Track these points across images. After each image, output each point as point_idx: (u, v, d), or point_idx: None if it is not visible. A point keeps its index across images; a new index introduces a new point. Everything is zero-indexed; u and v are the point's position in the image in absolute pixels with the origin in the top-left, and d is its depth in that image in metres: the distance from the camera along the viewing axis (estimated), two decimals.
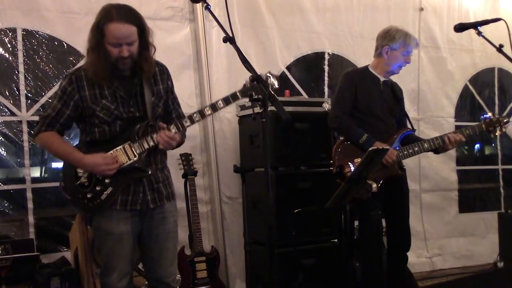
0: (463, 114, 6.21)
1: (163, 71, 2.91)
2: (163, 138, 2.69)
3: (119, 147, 2.71)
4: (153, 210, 2.81)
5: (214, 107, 2.75)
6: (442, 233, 5.87)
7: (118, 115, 2.73)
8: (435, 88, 5.93)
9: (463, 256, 5.91)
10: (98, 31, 2.62)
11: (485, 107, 6.29)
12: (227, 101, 2.74)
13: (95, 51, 2.65)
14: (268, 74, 2.64)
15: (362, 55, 5.42)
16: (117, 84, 2.74)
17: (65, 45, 4.34)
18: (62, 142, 2.81)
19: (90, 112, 2.73)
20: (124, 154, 2.72)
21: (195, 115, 2.75)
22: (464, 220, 6.02)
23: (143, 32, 2.68)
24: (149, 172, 2.75)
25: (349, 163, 3.72)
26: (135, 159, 2.72)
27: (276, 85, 2.64)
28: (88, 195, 2.71)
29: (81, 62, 4.35)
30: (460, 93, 6.10)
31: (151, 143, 2.72)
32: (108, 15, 2.60)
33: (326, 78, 5.47)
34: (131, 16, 2.64)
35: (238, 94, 2.71)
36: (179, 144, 2.91)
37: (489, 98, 6.36)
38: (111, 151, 2.71)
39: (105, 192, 2.70)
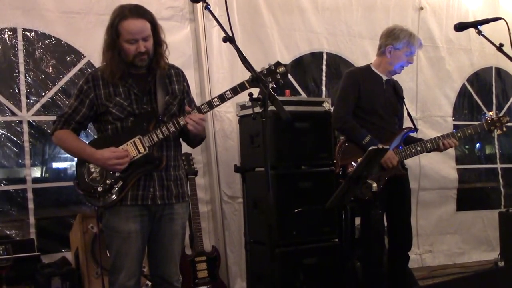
0: (461, 113, 6.24)
1: (179, 73, 2.97)
2: (192, 118, 2.71)
3: (130, 141, 2.74)
4: (162, 210, 2.82)
5: (222, 98, 2.77)
6: (435, 230, 5.90)
7: (131, 111, 2.77)
8: (434, 88, 5.95)
9: (454, 254, 5.95)
10: (113, 31, 2.69)
11: (482, 107, 6.32)
12: (234, 91, 2.76)
13: (110, 50, 2.72)
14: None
15: (360, 55, 5.45)
16: (131, 82, 2.79)
17: (65, 45, 4.35)
18: (76, 139, 2.84)
19: (104, 109, 2.77)
20: (134, 148, 2.74)
21: (203, 106, 2.78)
22: (460, 218, 6.05)
23: (155, 28, 2.76)
24: (159, 165, 2.76)
25: (352, 163, 3.73)
26: (144, 152, 2.73)
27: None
28: (99, 189, 2.73)
29: (82, 62, 4.38)
30: (458, 92, 6.13)
31: (161, 136, 2.74)
32: (121, 13, 2.68)
33: (323, 78, 5.49)
34: (143, 12, 2.73)
35: (245, 83, 2.73)
36: (202, 138, 2.97)
37: (486, 97, 6.38)
38: (122, 146, 2.73)
39: (115, 186, 2.72)
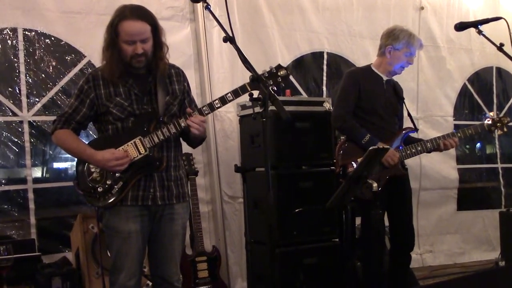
0: (462, 113, 6.23)
1: (179, 73, 2.96)
2: (194, 120, 2.71)
3: (130, 142, 2.74)
4: (162, 210, 2.82)
5: (223, 100, 2.76)
6: (436, 230, 5.91)
7: (131, 112, 2.77)
8: (434, 87, 5.95)
9: (454, 253, 5.96)
10: (113, 30, 2.68)
11: (483, 107, 6.32)
12: (236, 93, 2.74)
13: (109, 50, 2.72)
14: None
15: (361, 55, 5.45)
16: (132, 82, 2.79)
17: (66, 45, 4.35)
18: (76, 140, 2.84)
19: (105, 109, 2.77)
20: (134, 149, 2.73)
21: (204, 108, 2.76)
22: (461, 218, 6.05)
23: (156, 31, 2.74)
24: (160, 166, 2.76)
25: (352, 163, 3.73)
26: (145, 153, 2.73)
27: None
28: (100, 189, 2.73)
29: (83, 62, 4.38)
30: (458, 92, 6.13)
31: (161, 137, 2.74)
32: (121, 13, 2.67)
33: (324, 78, 5.49)
34: (145, 14, 2.71)
35: (247, 86, 2.71)
36: (203, 139, 2.96)
37: (487, 97, 6.38)
38: (122, 147, 2.73)
39: (115, 186, 2.73)
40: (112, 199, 2.73)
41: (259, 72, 2.65)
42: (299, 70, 5.40)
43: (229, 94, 2.75)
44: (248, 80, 2.67)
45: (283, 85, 2.78)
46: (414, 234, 3.98)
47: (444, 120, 5.96)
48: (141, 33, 2.67)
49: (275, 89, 2.72)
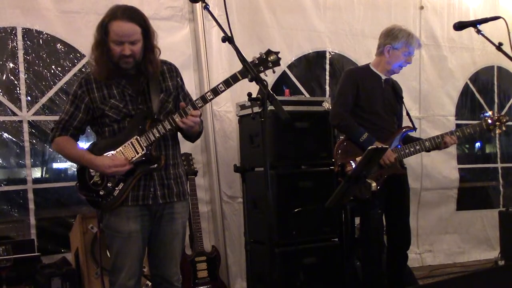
0: (464, 112, 6.22)
1: (172, 69, 2.93)
2: (190, 119, 2.70)
3: (127, 142, 2.74)
4: (163, 210, 2.82)
5: (215, 91, 2.74)
6: (435, 229, 5.91)
7: (127, 113, 2.77)
8: (436, 87, 5.94)
9: (454, 253, 5.96)
10: (103, 29, 2.67)
11: (485, 106, 6.30)
12: (227, 83, 2.72)
13: (98, 48, 2.71)
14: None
15: (363, 54, 5.43)
16: (125, 83, 2.78)
17: (65, 44, 4.34)
18: (74, 146, 2.85)
19: (100, 112, 2.77)
20: (132, 149, 2.73)
21: (197, 101, 2.75)
22: (460, 218, 6.05)
23: (147, 34, 2.72)
24: (157, 165, 2.76)
25: (351, 162, 3.73)
26: (142, 152, 2.73)
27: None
28: (101, 192, 2.74)
29: (82, 62, 4.38)
30: (460, 91, 6.11)
31: (157, 135, 2.73)
32: (113, 14, 2.66)
33: (327, 77, 5.48)
34: (136, 16, 2.69)
35: (238, 75, 2.69)
36: (199, 132, 2.94)
37: (488, 96, 6.36)
38: (119, 148, 2.73)
39: (116, 188, 2.74)
40: (114, 201, 2.74)
41: (249, 59, 2.63)
42: (301, 70, 5.39)
43: (221, 85, 2.73)
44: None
45: (274, 71, 2.75)
46: (411, 233, 3.98)
47: (446, 120, 5.95)
48: (130, 34, 2.65)
49: (267, 75, 2.69)
